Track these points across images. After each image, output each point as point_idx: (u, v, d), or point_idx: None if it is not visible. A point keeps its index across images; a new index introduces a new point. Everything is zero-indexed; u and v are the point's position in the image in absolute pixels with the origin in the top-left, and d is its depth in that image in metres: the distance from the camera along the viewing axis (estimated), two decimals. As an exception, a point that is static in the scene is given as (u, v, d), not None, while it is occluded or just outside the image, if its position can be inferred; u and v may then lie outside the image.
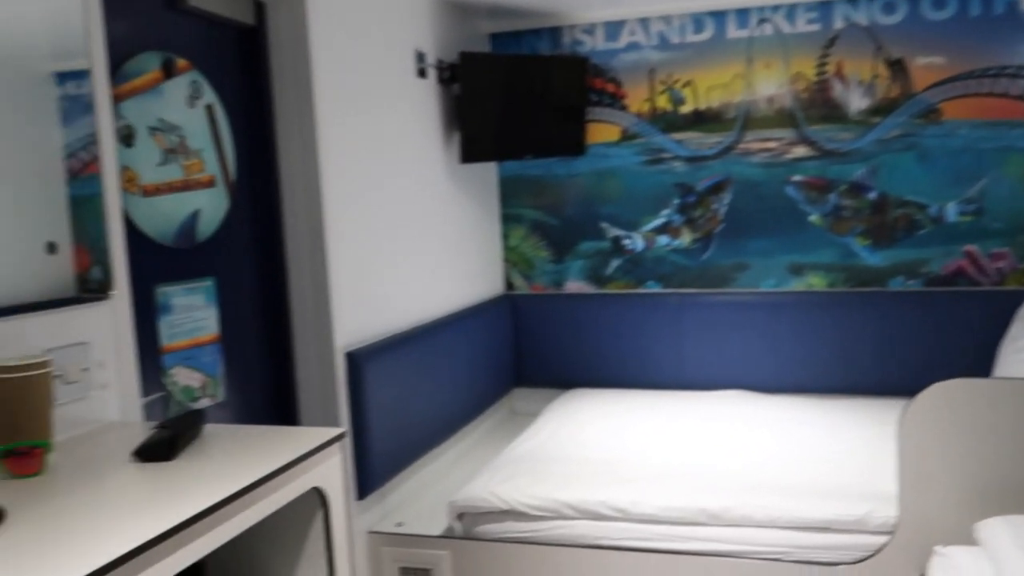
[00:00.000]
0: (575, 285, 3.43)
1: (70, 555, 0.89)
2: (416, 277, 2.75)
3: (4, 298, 1.32)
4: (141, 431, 1.41)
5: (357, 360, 2.27)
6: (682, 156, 3.25)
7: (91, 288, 1.47)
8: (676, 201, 3.28)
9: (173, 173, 1.88)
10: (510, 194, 3.48)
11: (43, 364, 1.27)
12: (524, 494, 2.22)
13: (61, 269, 1.42)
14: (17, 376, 1.24)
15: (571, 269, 3.43)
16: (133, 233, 1.75)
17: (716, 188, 3.23)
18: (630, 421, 2.82)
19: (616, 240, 3.36)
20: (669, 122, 3.25)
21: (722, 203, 3.23)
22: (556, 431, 2.75)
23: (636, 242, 3.34)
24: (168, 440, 1.22)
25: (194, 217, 1.94)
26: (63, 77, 1.43)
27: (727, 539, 2.11)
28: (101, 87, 1.50)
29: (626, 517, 2.16)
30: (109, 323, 1.52)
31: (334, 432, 1.32)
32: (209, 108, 1.99)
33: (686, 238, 3.29)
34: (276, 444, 1.27)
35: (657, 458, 2.45)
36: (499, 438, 3.17)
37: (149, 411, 1.76)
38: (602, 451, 2.53)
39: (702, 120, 3.21)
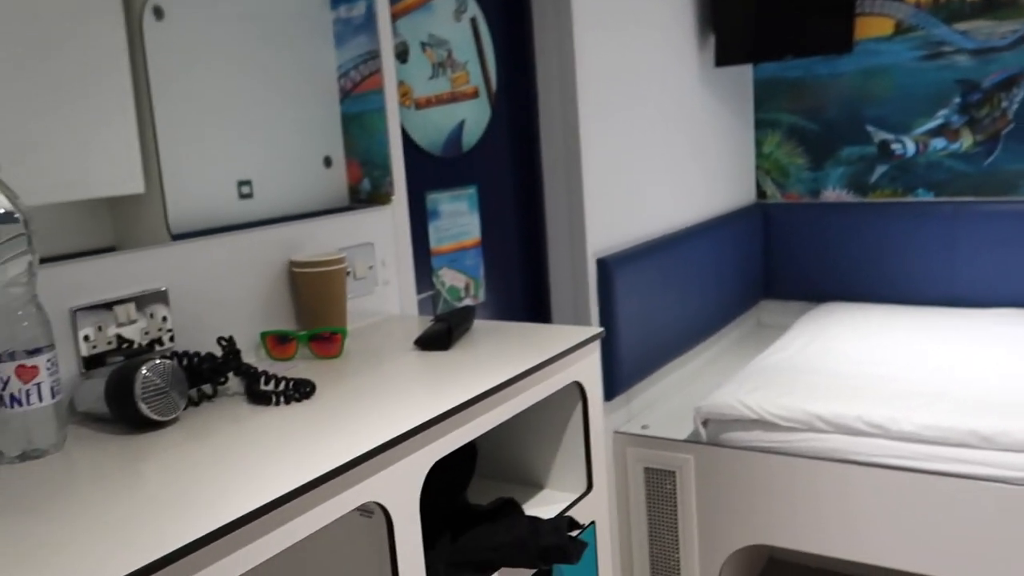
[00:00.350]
0: (834, 194, 3.25)
1: (370, 424, 1.02)
2: (666, 185, 2.74)
3: (297, 206, 1.49)
4: (418, 324, 1.56)
5: (608, 266, 2.33)
6: (967, 49, 2.92)
7: (361, 199, 1.62)
8: (956, 100, 2.97)
9: (441, 86, 2.00)
10: (766, 98, 3.32)
11: (339, 260, 1.44)
12: (774, 404, 2.20)
13: (336, 182, 1.58)
14: (319, 271, 1.42)
15: (830, 177, 3.25)
16: (407, 143, 1.89)
17: (1007, 84, 2.88)
18: (890, 337, 2.67)
19: (883, 145, 3.13)
20: (953, 11, 2.92)
21: (1013, 100, 2.89)
22: (808, 344, 2.67)
23: (906, 146, 3.09)
24: (446, 331, 1.34)
25: (460, 128, 2.06)
26: (336, 1, 1.55)
27: (999, 464, 1.97)
28: (383, 7, 1.62)
29: (884, 434, 2.08)
30: (389, 227, 1.67)
31: (594, 331, 1.38)
32: (473, 21, 2.08)
33: (966, 141, 2.98)
34: (540, 340, 1.36)
35: (921, 376, 2.31)
36: (745, 349, 3.13)
37: (422, 307, 1.93)
38: (859, 366, 2.43)
39: (993, 6, 2.85)
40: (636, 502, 2.44)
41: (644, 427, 2.47)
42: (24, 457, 0.99)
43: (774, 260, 3.37)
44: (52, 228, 1.15)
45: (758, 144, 3.37)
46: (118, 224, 1.25)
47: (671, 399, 2.71)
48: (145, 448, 1.00)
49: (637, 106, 2.55)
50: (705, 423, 2.33)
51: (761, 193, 3.41)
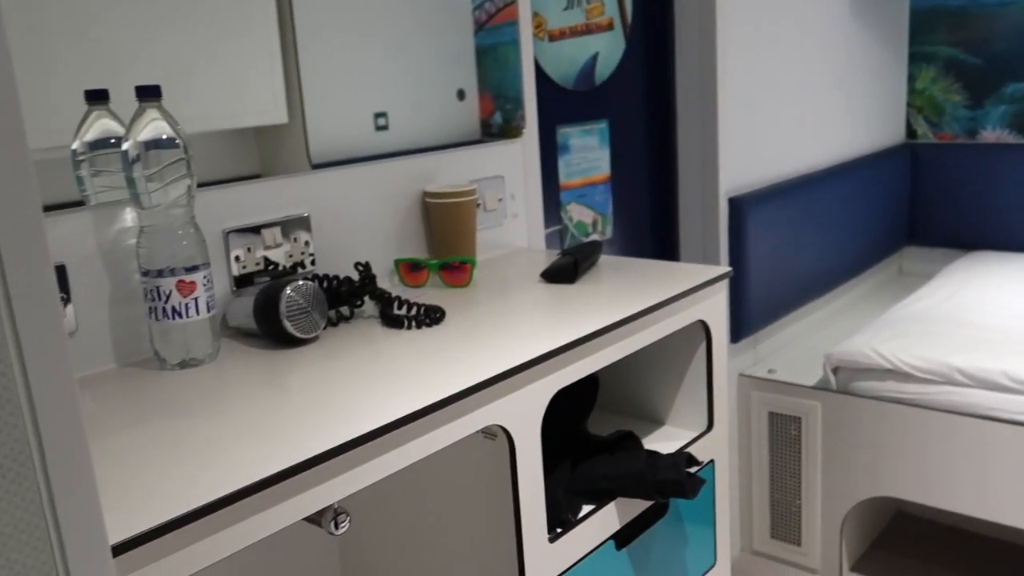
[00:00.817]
0: (993, 135, 3.03)
1: (496, 351, 1.05)
2: (807, 122, 2.63)
3: (430, 139, 1.52)
4: (545, 257, 1.58)
5: (740, 206, 2.27)
6: None
7: (492, 133, 1.64)
8: None
9: (576, 17, 1.97)
10: (922, 29, 3.10)
11: (470, 192, 1.47)
12: (911, 355, 2.12)
13: (469, 115, 1.59)
14: (451, 202, 1.45)
15: (991, 116, 3.02)
16: (539, 76, 1.89)
17: None
18: (1047, 291, 2.50)
19: (1053, 82, 2.88)
20: None
21: None
22: (953, 294, 2.54)
23: (1080, 84, 2.83)
24: (572, 265, 1.36)
25: (593, 60, 2.04)
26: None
27: None
28: (518, -64, 1.61)
29: (1031, 392, 1.96)
30: (519, 160, 1.69)
31: (721, 270, 1.37)
32: (609, -50, 2.03)
33: None
34: (666, 277, 1.36)
35: (1078, 334, 2.16)
36: (884, 297, 3.00)
37: (549, 242, 1.95)
38: (1007, 320, 2.29)
39: None
40: (758, 447, 2.42)
41: (771, 371, 2.42)
42: (183, 365, 1.08)
43: (921, 204, 3.19)
44: (206, 155, 1.23)
45: (910, 79, 3.17)
46: (263, 153, 1.32)
47: (800, 345, 2.64)
48: (288, 363, 1.07)
49: (779, 38, 2.43)
50: (835, 370, 2.27)
51: (911, 132, 3.21)
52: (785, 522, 2.42)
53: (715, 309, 1.37)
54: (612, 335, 1.17)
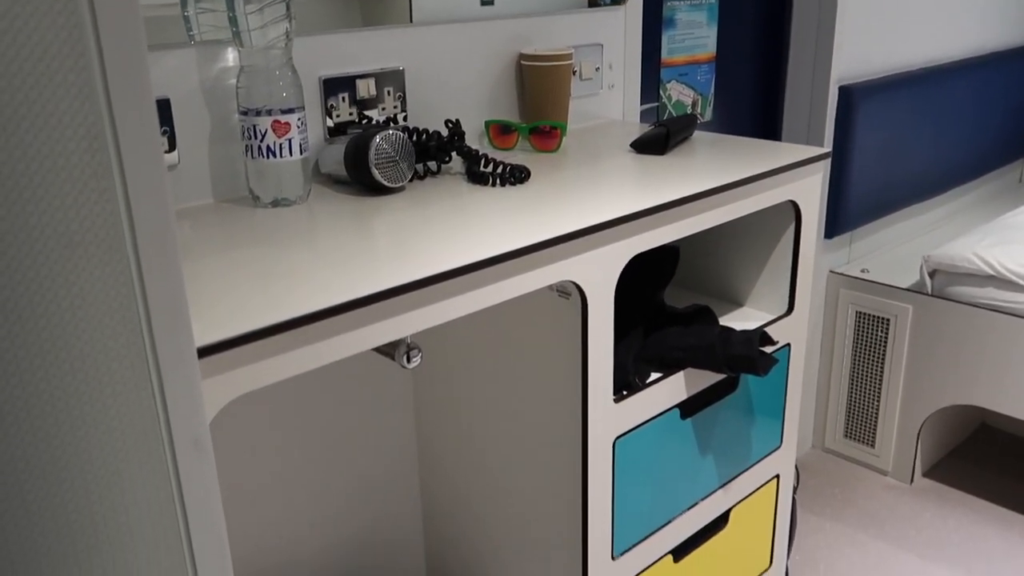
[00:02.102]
0: None
1: (576, 211, 1.06)
2: (936, 11, 2.45)
3: (540, 7, 1.49)
4: (638, 130, 1.55)
5: (851, 95, 2.17)
6: None
7: (596, 3, 1.59)
8: None
9: None
10: (1082, -87, 2.81)
11: (567, 57, 1.44)
12: (1016, 262, 2.02)
13: (576, -12, 1.55)
14: (546, 65, 1.44)
15: None
16: (649, -58, 1.81)
17: None
18: None
19: None
20: None
21: None
22: (1073, 205, 2.39)
23: None
24: (663, 136, 1.33)
25: (707, -72, 1.93)
26: None
27: None
28: None
29: None
30: (621, 30, 1.64)
31: (818, 151, 1.32)
32: None
33: None
34: (760, 154, 1.32)
35: None
36: (997, 207, 2.85)
37: (644, 118, 1.91)
38: None
39: None
40: (841, 346, 2.38)
41: (864, 271, 2.36)
42: (275, 204, 1.12)
43: (1053, 110, 2.97)
44: (311, 10, 1.24)
45: (1061, -29, 2.89)
46: (365, 12, 1.32)
47: (898, 248, 2.55)
48: (374, 209, 1.11)
49: (916, -85, 2.25)
50: (933, 274, 2.19)
51: (1053, 30, 2.96)
52: (861, 423, 2.41)
53: (808, 191, 1.33)
54: (696, 205, 1.15)
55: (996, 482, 2.36)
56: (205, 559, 0.55)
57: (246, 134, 1.10)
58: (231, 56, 1.15)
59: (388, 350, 0.92)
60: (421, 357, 0.92)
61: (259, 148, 1.10)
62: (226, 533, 0.59)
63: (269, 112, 1.09)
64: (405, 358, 0.91)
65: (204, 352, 0.71)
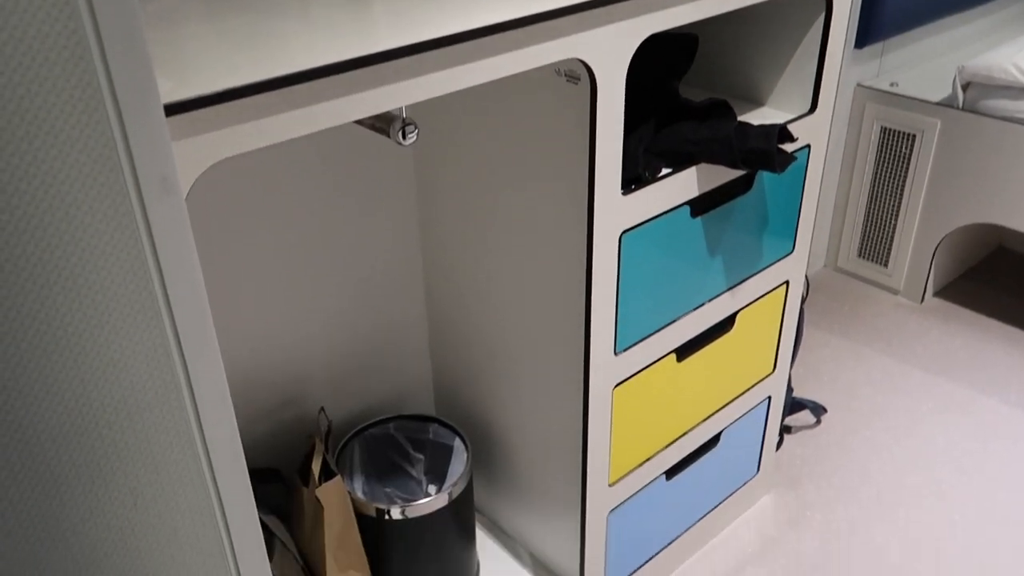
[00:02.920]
0: None
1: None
2: None
3: None
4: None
5: None
6: None
7: None
8: None
9: None
10: None
11: None
12: (1056, 72, 1.91)
13: None
14: None
15: None
16: None
17: None
18: None
19: None
20: None
21: None
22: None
23: None
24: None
25: None
26: None
27: None
28: None
29: None
30: None
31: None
32: None
33: None
34: (791, -69, 1.21)
35: None
36: (1043, 17, 2.67)
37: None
38: None
39: None
40: (863, 163, 2.30)
41: (892, 84, 2.24)
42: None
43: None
44: None
45: None
46: None
47: (931, 61, 2.41)
48: (370, -21, 1.02)
49: None
50: (966, 86, 2.08)
51: None
52: (876, 242, 2.37)
53: (841, -26, 1.23)
54: (718, -18, 1.06)
55: (1007, 302, 2.35)
56: (178, 295, 0.53)
57: None
58: None
59: (383, 126, 0.87)
60: (417, 134, 0.88)
61: (243, -91, 1.01)
62: (203, 285, 0.57)
63: None
64: (400, 134, 0.86)
65: (179, 109, 0.67)
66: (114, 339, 0.51)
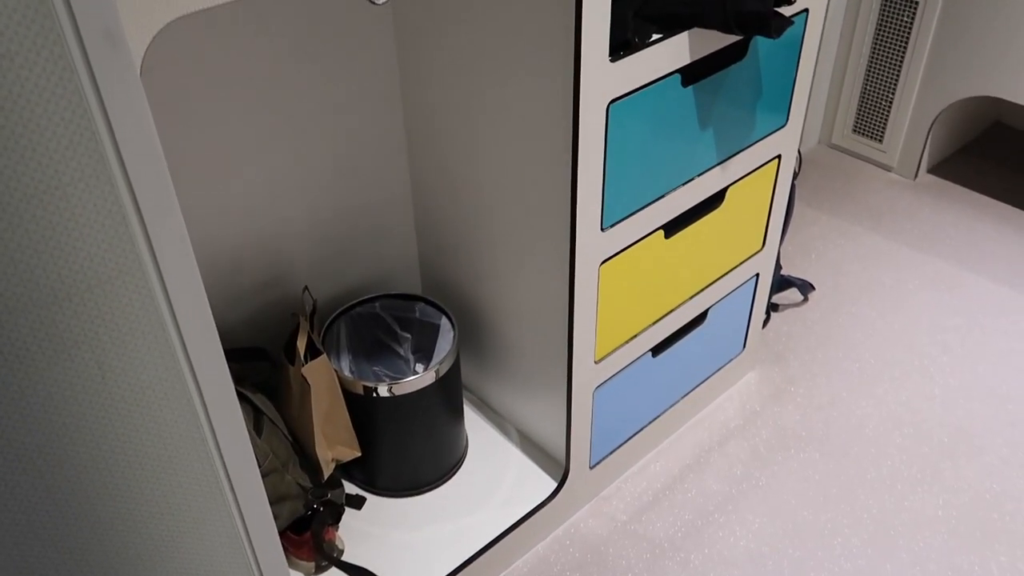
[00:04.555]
0: None
1: None
2: None
3: None
4: None
5: None
6: None
7: None
8: None
9: None
10: None
11: None
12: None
13: None
14: None
15: None
16: None
17: None
18: None
19: None
20: None
21: None
22: None
23: None
24: None
25: None
26: None
27: None
28: None
29: None
30: None
31: None
32: None
33: None
34: None
35: None
36: None
37: None
38: None
39: None
40: (862, 33, 2.22)
41: (897, -52, 2.14)
42: None
43: None
44: None
45: None
46: None
47: (941, -78, 2.29)
48: None
49: None
50: (973, -50, 1.98)
51: None
52: (872, 116, 2.32)
53: None
54: None
55: (1000, 178, 2.32)
56: (133, 158, 0.49)
57: None
58: None
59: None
60: (391, -8, 0.82)
61: None
62: (160, 148, 0.54)
63: None
64: (373, -10, 0.81)
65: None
66: (65, 207, 0.48)
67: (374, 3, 0.81)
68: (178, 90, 1.14)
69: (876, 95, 2.28)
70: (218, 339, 0.62)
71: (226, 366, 0.64)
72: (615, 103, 1.09)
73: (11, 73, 0.44)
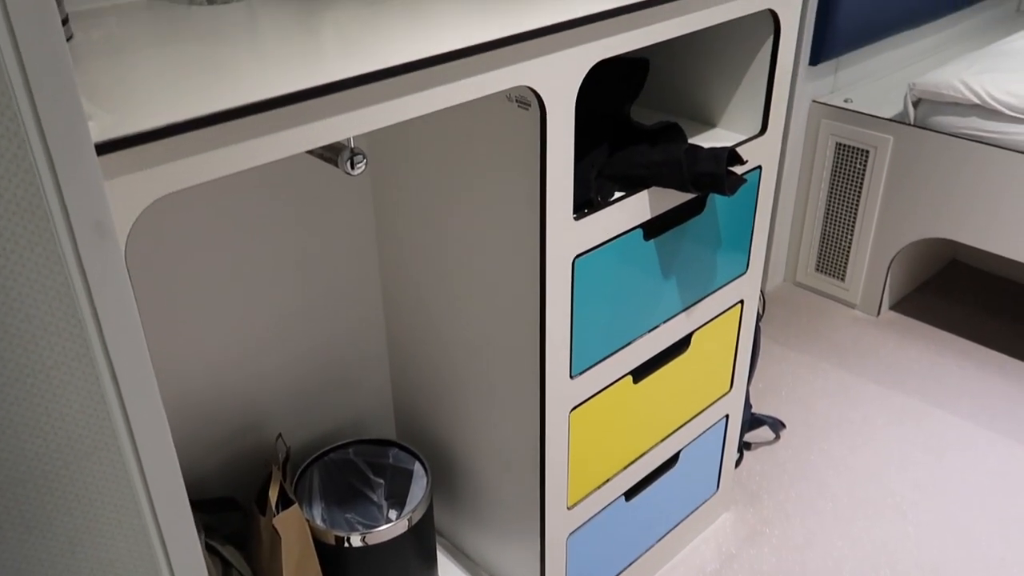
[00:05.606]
0: None
1: (536, 9, 0.98)
2: None
3: None
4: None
5: (846, -94, 2.02)
6: None
7: None
8: None
9: None
10: None
11: None
12: (1003, 91, 1.96)
13: None
14: None
15: None
16: None
17: None
18: None
19: None
20: None
21: None
22: (1069, 32, 2.29)
23: None
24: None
25: None
26: None
27: None
28: None
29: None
30: None
31: (801, -46, 1.23)
32: None
33: None
34: (738, -42, 1.23)
35: None
36: (992, 36, 2.74)
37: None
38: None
39: None
40: (819, 179, 2.34)
41: (847, 100, 2.29)
42: (212, 1, 1.04)
43: (1059, -69, 2.80)
44: None
45: None
46: None
47: (885, 78, 2.46)
48: (322, 5, 1.02)
49: None
50: (917, 103, 2.13)
51: None
52: (833, 256, 2.41)
53: (788, 1, 1.25)
54: (664, 9, 1.08)
55: (960, 315, 2.40)
56: (117, 344, 0.52)
57: (175, -79, 1.00)
58: None
59: (331, 156, 0.87)
60: (366, 164, 0.88)
61: (190, -63, 1.00)
62: (142, 334, 0.56)
63: None
64: (349, 164, 0.86)
65: (119, 145, 0.66)
66: (47, 389, 0.50)
67: (349, 174, 0.86)
68: (154, 248, 1.18)
69: (835, 237, 2.38)
70: (191, 516, 0.62)
71: (198, 542, 0.65)
72: (580, 258, 1.14)
73: (5, 270, 0.47)
